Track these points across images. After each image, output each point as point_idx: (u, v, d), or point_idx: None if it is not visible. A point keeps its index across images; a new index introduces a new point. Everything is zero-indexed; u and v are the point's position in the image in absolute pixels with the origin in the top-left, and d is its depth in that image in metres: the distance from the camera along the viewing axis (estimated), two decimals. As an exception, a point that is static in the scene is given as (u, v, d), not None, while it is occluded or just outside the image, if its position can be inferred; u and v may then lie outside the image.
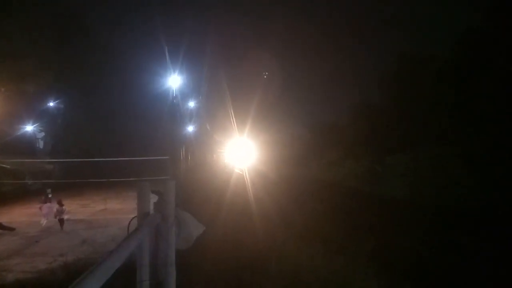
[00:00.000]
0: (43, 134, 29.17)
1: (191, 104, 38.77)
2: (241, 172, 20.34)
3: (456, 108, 15.64)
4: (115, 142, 26.66)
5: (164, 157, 21.08)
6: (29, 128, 26.60)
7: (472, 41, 15.61)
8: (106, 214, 13.95)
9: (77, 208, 14.63)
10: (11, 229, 10.70)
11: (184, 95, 34.65)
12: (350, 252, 5.89)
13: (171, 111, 28.22)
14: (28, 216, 13.57)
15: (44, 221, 11.46)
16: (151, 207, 3.60)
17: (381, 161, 19.76)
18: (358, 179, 20.07)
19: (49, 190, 12.60)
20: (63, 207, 11.37)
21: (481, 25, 15.85)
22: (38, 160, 24.26)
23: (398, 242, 6.68)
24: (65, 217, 11.38)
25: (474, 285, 5.35)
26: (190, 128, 38.59)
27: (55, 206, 11.42)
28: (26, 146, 25.96)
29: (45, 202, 11.72)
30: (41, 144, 29.78)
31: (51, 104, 28.46)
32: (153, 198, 3.83)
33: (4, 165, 20.36)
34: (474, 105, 14.47)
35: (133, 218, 3.63)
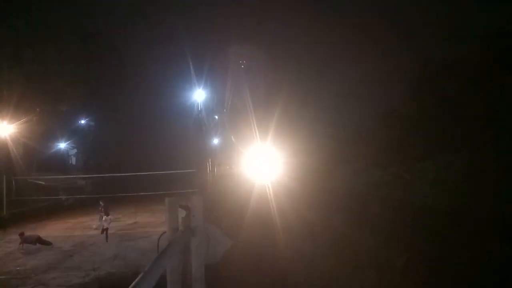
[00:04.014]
0: (75, 151, 30.33)
1: (216, 117, 39.34)
2: (264, 183, 20.28)
3: (488, 113, 15.03)
4: (144, 157, 27.30)
5: (191, 170, 21.39)
6: (62, 145, 27.73)
7: (503, 43, 15.04)
8: (136, 227, 14.22)
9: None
10: (48, 243, 11.10)
11: (209, 108, 35.20)
12: (383, 266, 5.71)
13: (197, 125, 28.68)
14: (62, 230, 14.05)
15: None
16: (180, 221, 3.65)
17: (410, 168, 19.17)
18: (387, 187, 19.52)
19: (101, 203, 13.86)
20: (109, 217, 12.07)
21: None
22: (71, 176, 25.15)
23: (435, 255, 6.39)
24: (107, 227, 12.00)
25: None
26: (216, 141, 39.06)
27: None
28: (59, 162, 27.05)
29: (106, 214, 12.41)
30: (73, 161, 30.95)
31: (83, 122, 29.61)
32: (182, 213, 3.87)
33: (39, 182, 21.21)
34: (508, 110, 13.86)
35: (162, 233, 3.69)
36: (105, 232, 11.71)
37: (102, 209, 13.30)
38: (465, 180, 14.54)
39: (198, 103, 27.00)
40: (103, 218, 12.18)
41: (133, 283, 1.47)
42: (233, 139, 45.73)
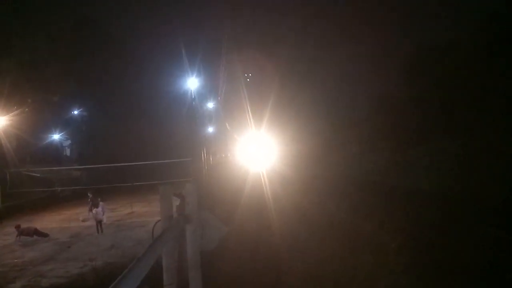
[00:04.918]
0: (69, 142, 30.13)
1: (210, 105, 39.19)
2: (259, 170, 20.35)
3: (481, 98, 15.08)
4: (138, 146, 27.18)
5: (186, 159, 21.40)
6: (56, 136, 27.53)
7: (497, 27, 14.98)
8: (132, 217, 14.25)
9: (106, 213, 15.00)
10: (45, 235, 11.10)
11: (203, 96, 35.03)
12: (377, 249, 5.80)
13: (190, 113, 28.56)
14: (58, 222, 14.05)
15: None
16: (174, 209, 3.66)
17: (404, 154, 19.30)
18: (381, 172, 19.68)
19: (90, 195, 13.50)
20: (99, 209, 11.97)
21: (506, 9, 15.20)
22: (66, 167, 25.03)
23: (428, 237, 6.48)
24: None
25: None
26: (210, 129, 38.99)
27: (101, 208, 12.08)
28: (53, 154, 26.90)
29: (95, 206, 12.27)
30: (67, 152, 30.77)
31: (75, 112, 29.34)
32: (176, 201, 3.88)
33: (34, 174, 21.11)
34: (501, 95, 13.91)
35: (157, 222, 3.70)
36: (99, 224, 11.62)
37: (91, 201, 13.03)
38: (458, 166, 14.67)
39: (191, 91, 26.83)
40: (93, 211, 12.01)
41: (126, 269, 1.49)
42: (227, 127, 45.65)
